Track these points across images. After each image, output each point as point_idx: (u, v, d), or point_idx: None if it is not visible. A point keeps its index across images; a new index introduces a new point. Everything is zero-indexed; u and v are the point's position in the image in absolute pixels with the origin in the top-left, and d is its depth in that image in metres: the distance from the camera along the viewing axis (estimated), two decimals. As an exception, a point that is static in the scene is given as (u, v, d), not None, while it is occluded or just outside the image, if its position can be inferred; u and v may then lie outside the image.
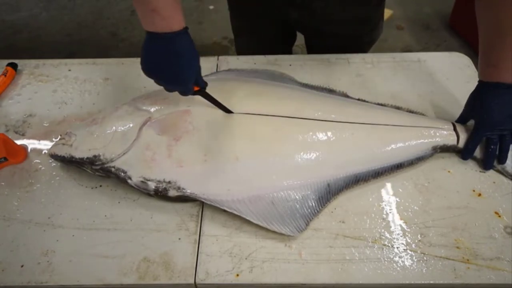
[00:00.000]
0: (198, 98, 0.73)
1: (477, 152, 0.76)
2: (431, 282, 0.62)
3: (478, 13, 0.72)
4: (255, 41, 1.13)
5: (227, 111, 0.74)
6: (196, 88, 0.69)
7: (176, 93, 0.70)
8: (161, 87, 0.68)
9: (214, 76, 0.90)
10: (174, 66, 0.64)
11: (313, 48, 1.11)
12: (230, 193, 0.68)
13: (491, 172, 0.75)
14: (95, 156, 0.70)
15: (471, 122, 0.77)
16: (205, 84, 0.70)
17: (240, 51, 1.20)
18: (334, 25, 0.97)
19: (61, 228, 0.69)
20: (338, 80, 0.91)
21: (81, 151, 0.71)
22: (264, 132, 0.73)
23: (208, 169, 0.69)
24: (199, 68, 0.68)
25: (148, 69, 0.66)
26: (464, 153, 0.76)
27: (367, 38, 1.03)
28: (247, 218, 0.66)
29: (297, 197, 0.69)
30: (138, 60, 0.95)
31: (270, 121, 0.73)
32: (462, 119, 0.79)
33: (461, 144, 0.76)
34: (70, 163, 0.74)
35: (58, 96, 0.91)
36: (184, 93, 0.68)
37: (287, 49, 1.19)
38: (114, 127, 0.72)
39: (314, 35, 1.08)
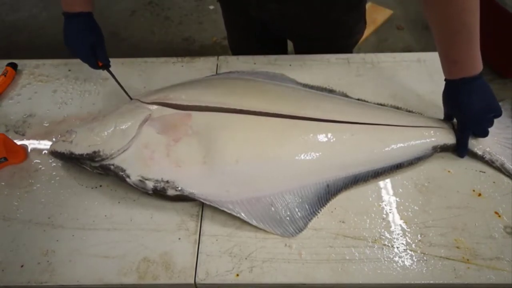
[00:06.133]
0: (198, 101, 0.74)
1: (477, 149, 0.76)
2: (431, 282, 0.62)
3: (427, 15, 0.72)
4: (240, 35, 1.13)
5: (128, 96, 0.84)
6: (100, 64, 0.82)
7: (176, 93, 0.73)
8: (161, 86, 0.69)
9: (216, 76, 0.90)
10: (72, 40, 0.81)
11: (296, 48, 1.11)
12: (229, 194, 0.68)
13: (491, 172, 0.75)
14: (94, 152, 0.70)
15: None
16: (108, 62, 0.83)
17: (230, 44, 1.20)
18: (299, 26, 0.97)
19: (61, 228, 0.69)
20: (338, 80, 0.90)
21: (80, 147, 0.71)
22: (264, 134, 0.73)
23: (207, 170, 0.69)
24: (97, 45, 0.81)
25: (64, 41, 0.81)
26: (458, 151, 0.76)
27: (342, 41, 1.03)
28: (246, 219, 0.66)
29: (296, 199, 0.69)
30: (138, 60, 0.97)
31: (270, 123, 0.73)
32: (447, 117, 0.80)
33: None
34: (70, 160, 0.74)
35: (58, 96, 0.91)
36: (89, 65, 0.83)
37: (277, 48, 1.15)
38: (114, 124, 0.73)
39: (289, 36, 1.08)
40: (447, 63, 0.73)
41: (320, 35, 0.99)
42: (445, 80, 0.75)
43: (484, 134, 0.74)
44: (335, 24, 0.96)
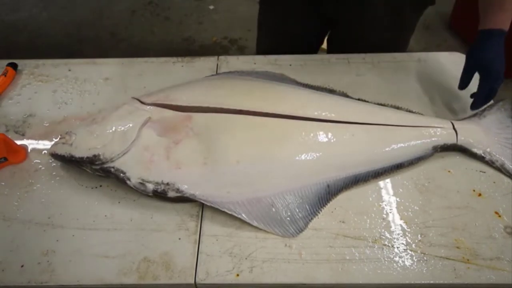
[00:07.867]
0: (198, 102, 0.74)
1: (477, 149, 0.76)
2: (431, 282, 0.62)
3: None
4: (279, 24, 1.06)
5: None
6: None
7: (176, 94, 0.72)
8: (161, 86, 0.68)
9: (216, 77, 0.90)
10: None
11: (333, 43, 1.08)
12: (229, 195, 0.68)
13: (491, 172, 0.75)
14: (94, 155, 0.70)
15: (470, 119, 0.78)
16: None
17: (261, 30, 1.12)
18: (366, 20, 0.96)
19: (61, 228, 0.69)
20: (338, 80, 0.90)
21: (81, 151, 0.71)
22: (265, 134, 0.73)
23: (207, 172, 0.69)
24: None
25: None
26: (475, 101, 0.79)
27: (390, 47, 1.00)
28: (247, 220, 0.66)
29: (297, 199, 0.69)
30: (138, 60, 0.97)
31: (271, 123, 0.73)
32: (464, 82, 0.81)
33: (460, 141, 0.76)
34: (70, 163, 0.74)
35: (58, 96, 0.91)
36: None
37: (313, 41, 1.11)
38: (114, 127, 0.72)
39: (345, 34, 1.05)
40: (496, 12, 0.76)
41: (376, 35, 0.99)
42: (480, 30, 0.78)
43: (494, 93, 0.77)
44: (394, 25, 0.97)
